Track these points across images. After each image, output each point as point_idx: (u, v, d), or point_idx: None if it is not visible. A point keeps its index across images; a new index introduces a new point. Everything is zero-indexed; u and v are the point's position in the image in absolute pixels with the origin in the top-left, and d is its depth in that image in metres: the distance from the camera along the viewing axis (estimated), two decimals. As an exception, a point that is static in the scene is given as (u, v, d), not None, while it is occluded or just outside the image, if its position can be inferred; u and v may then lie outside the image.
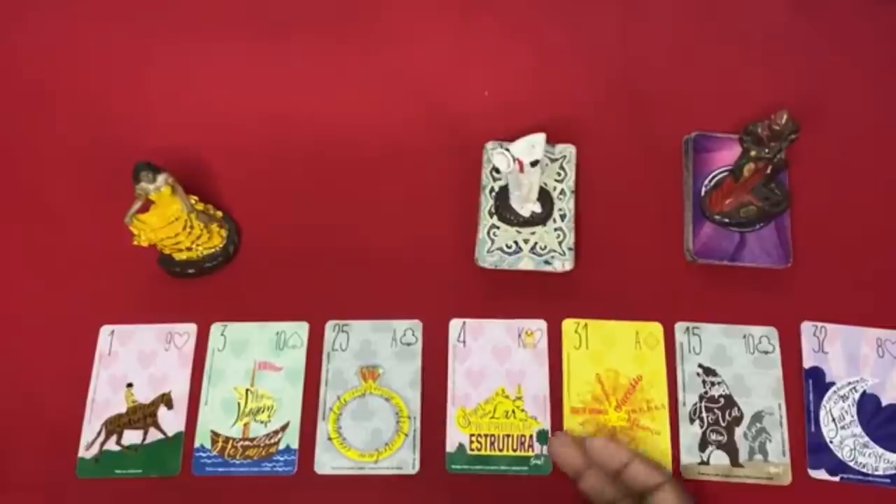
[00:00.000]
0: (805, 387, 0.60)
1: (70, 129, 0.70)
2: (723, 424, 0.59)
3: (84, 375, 0.62)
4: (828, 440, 0.59)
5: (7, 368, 0.62)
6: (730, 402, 0.60)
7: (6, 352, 0.63)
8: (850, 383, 0.60)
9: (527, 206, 0.63)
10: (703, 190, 0.65)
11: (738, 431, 0.59)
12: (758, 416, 0.59)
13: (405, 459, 0.59)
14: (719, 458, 0.58)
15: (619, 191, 0.66)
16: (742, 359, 0.61)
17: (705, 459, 0.59)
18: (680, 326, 0.62)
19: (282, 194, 0.67)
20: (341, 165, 0.68)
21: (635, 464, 0.53)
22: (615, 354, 0.61)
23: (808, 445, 0.59)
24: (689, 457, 0.59)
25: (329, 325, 0.63)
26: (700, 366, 0.61)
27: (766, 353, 0.61)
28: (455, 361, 0.61)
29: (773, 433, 0.59)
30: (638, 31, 0.72)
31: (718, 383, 0.60)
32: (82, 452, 0.60)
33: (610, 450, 0.55)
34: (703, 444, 0.59)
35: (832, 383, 0.60)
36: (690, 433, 0.59)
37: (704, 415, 0.59)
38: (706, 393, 0.60)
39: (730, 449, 0.59)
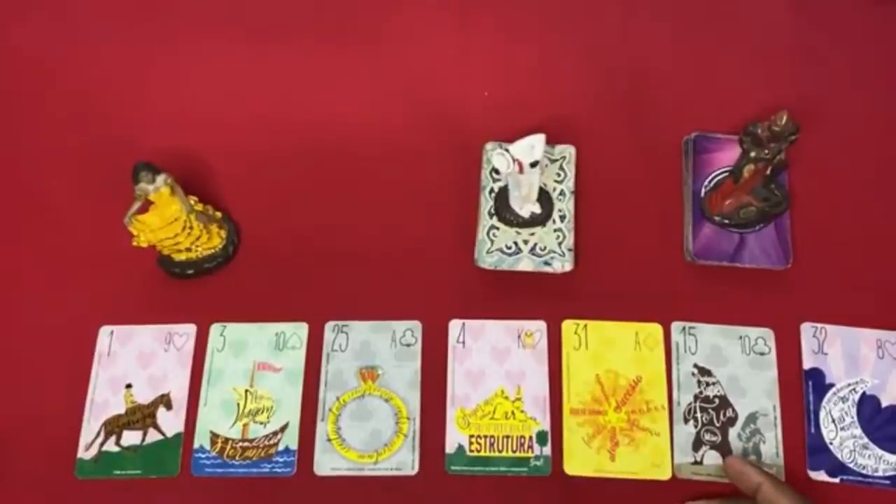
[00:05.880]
0: (805, 388, 0.60)
1: (70, 129, 0.70)
2: (717, 425, 0.59)
3: (83, 376, 0.62)
4: (827, 441, 0.59)
5: (7, 368, 0.62)
6: (724, 402, 0.60)
7: (6, 352, 0.63)
8: (849, 384, 0.60)
9: (526, 206, 0.63)
10: (703, 191, 0.65)
11: (733, 432, 0.59)
12: (752, 417, 0.59)
13: (404, 460, 0.59)
14: (713, 459, 0.58)
15: (619, 191, 0.66)
16: (738, 360, 0.61)
17: (699, 459, 0.58)
18: (676, 326, 0.62)
19: (282, 194, 0.67)
20: (341, 165, 0.68)
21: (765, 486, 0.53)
22: (615, 355, 0.61)
23: (808, 447, 0.59)
24: (682, 456, 0.59)
25: (328, 325, 0.63)
26: (695, 366, 0.61)
27: (762, 354, 0.61)
28: (454, 362, 0.61)
29: (768, 434, 0.59)
30: (638, 31, 0.72)
31: (713, 383, 0.60)
32: (81, 453, 0.60)
33: (738, 470, 0.56)
34: (697, 444, 0.59)
35: (832, 384, 0.60)
36: (685, 433, 0.59)
37: (699, 415, 0.59)
38: (701, 393, 0.60)
39: (723, 449, 0.59)
